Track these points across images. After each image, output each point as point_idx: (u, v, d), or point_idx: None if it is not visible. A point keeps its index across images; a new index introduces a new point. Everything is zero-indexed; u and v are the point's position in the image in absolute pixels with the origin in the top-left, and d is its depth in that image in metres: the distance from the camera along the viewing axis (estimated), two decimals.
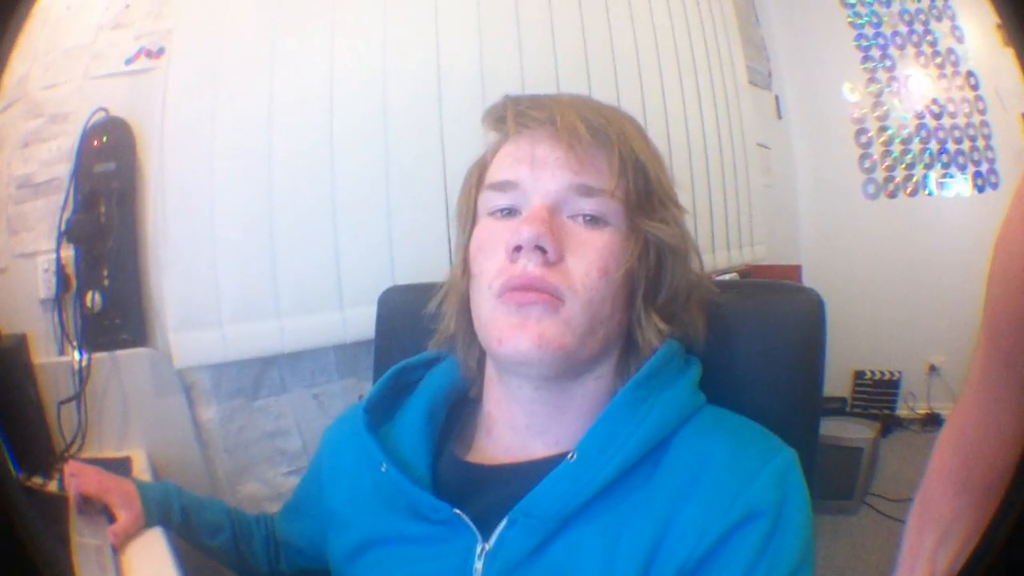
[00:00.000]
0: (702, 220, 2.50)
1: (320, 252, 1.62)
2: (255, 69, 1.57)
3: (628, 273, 0.81)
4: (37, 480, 1.23)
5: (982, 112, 3.43)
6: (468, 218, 0.89)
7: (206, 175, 1.51)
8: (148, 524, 1.06)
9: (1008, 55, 3.22)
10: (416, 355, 1.00)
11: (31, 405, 1.36)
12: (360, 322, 1.61)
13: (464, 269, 0.87)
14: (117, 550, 1.01)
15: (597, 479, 0.76)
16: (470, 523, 0.80)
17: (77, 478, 1.06)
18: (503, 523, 0.78)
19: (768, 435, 0.80)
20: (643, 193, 0.83)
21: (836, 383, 3.51)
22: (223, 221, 1.52)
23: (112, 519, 1.04)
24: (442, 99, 1.76)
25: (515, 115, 0.83)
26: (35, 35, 1.45)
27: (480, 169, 0.89)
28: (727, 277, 2.65)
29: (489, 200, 0.84)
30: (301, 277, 1.60)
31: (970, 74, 3.43)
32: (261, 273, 1.56)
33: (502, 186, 0.82)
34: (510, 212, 0.82)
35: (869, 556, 2.56)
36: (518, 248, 0.78)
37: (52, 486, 1.21)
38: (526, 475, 0.80)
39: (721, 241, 2.65)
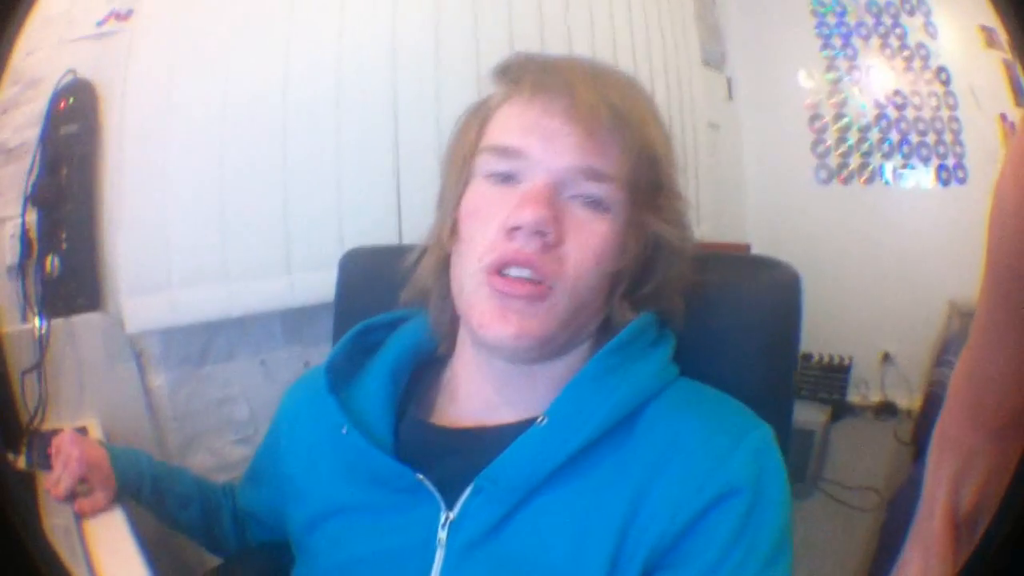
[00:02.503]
0: None
1: (269, 216, 1.65)
2: (214, 36, 1.60)
3: (618, 265, 0.81)
4: (11, 457, 1.22)
5: (952, 108, 3.47)
6: (461, 174, 0.86)
7: (161, 138, 1.54)
8: (118, 498, 1.04)
9: (990, 56, 3.31)
10: (379, 315, 1.00)
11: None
12: (307, 287, 1.66)
13: (452, 228, 0.85)
14: (80, 521, 1.00)
15: (568, 445, 0.76)
16: (434, 490, 0.79)
17: (74, 453, 1.01)
18: (468, 490, 0.78)
19: (743, 410, 0.81)
20: (651, 186, 0.82)
21: None
22: (176, 184, 1.56)
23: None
24: (395, 66, 1.79)
25: (532, 78, 0.80)
26: None
27: (480, 121, 0.86)
28: None
29: (488, 163, 0.82)
30: (250, 241, 1.63)
31: (941, 69, 3.49)
32: (211, 236, 1.59)
33: (506, 152, 0.80)
34: (509, 179, 0.80)
35: (826, 544, 2.57)
36: (517, 229, 0.76)
37: (20, 462, 1.22)
38: (493, 440, 0.80)
39: None
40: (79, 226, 1.52)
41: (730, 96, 3.62)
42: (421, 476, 0.80)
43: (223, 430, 1.75)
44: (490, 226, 0.78)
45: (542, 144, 0.78)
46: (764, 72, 3.68)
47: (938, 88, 3.50)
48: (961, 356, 0.73)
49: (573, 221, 0.78)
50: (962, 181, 3.49)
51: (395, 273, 0.96)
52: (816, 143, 3.65)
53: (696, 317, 0.91)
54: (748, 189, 3.67)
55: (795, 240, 3.51)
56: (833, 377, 3.52)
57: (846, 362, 3.52)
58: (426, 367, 0.95)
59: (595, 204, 0.78)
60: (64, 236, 1.51)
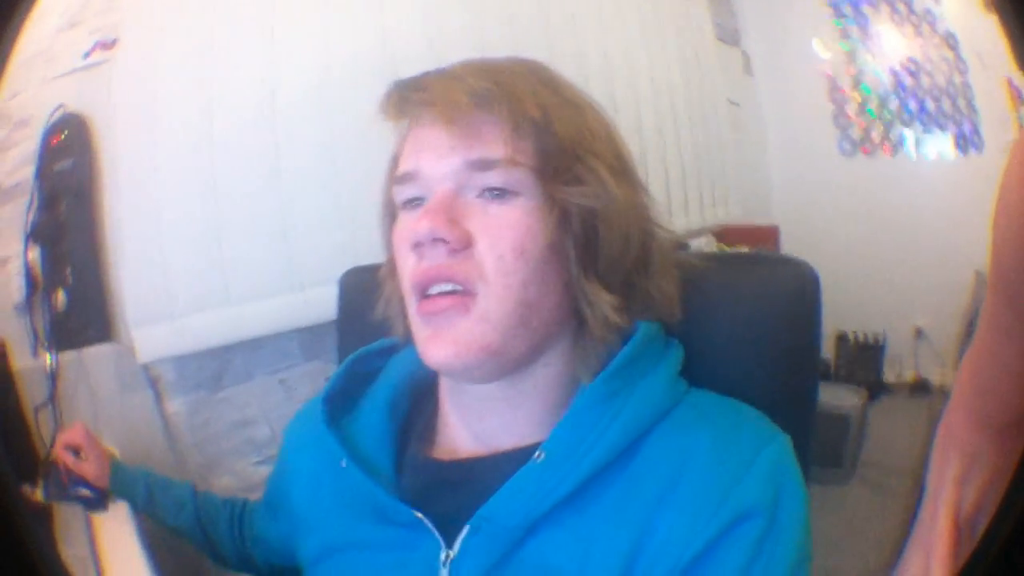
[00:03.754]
0: (673, 180, 2.51)
1: (269, 235, 1.63)
2: (197, 53, 1.58)
3: (551, 246, 0.76)
4: (27, 490, 1.25)
5: (963, 73, 3.45)
6: (388, 213, 0.87)
7: (152, 163, 1.52)
8: (114, 493, 1.18)
9: (990, 20, 3.26)
10: (375, 342, 0.97)
11: (13, 414, 1.39)
12: (321, 303, 1.59)
13: (391, 267, 0.86)
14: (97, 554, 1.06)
15: (567, 482, 0.73)
16: (432, 528, 0.78)
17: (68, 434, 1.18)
18: (465, 530, 0.76)
19: (757, 420, 0.77)
20: (553, 152, 0.77)
21: None
22: (169, 210, 1.54)
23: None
24: (392, 64, 1.73)
25: (399, 103, 0.80)
26: None
27: (394, 161, 0.86)
28: (702, 239, 2.65)
29: (398, 194, 0.82)
30: (251, 261, 1.61)
31: (949, 34, 3.45)
32: (210, 261, 1.57)
33: (404, 178, 0.80)
34: (417, 202, 0.79)
35: (865, 528, 2.55)
36: (419, 244, 0.75)
37: (38, 495, 1.24)
38: (490, 472, 0.78)
39: (694, 201, 2.66)
40: (83, 259, 1.53)
41: (747, 71, 3.58)
42: (419, 514, 0.78)
43: (245, 452, 1.73)
44: (408, 252, 0.78)
45: (427, 158, 0.78)
46: (778, 43, 3.64)
47: (948, 54, 3.46)
48: (965, 356, 0.72)
49: (481, 219, 0.75)
50: (979, 148, 3.45)
51: None
52: (837, 114, 3.61)
53: (706, 323, 0.86)
54: (772, 165, 3.64)
55: (822, 216, 3.48)
56: (867, 356, 3.48)
57: (880, 340, 3.48)
58: (427, 393, 0.93)
59: (499, 193, 0.76)
60: (69, 270, 1.52)
